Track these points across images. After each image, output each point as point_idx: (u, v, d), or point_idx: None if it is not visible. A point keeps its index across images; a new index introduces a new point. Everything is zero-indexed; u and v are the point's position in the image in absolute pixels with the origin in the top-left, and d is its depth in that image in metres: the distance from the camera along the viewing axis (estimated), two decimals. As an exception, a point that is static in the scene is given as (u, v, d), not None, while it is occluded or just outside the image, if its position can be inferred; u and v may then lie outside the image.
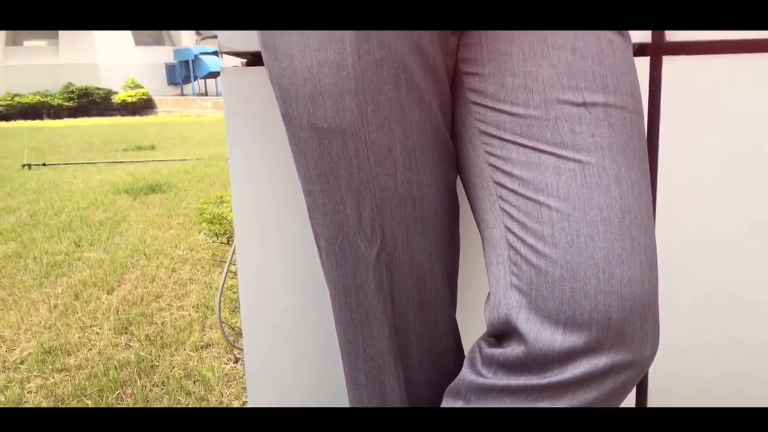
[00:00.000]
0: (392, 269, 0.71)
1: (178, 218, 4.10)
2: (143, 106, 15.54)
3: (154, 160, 7.06)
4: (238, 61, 1.04)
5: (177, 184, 5.31)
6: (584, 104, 0.62)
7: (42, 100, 14.97)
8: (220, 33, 0.95)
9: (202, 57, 16.39)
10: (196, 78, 16.84)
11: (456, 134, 0.73)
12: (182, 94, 17.02)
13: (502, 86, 0.65)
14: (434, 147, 0.69)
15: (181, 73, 17.07)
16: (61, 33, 16.18)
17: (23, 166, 6.71)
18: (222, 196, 2.49)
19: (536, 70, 0.63)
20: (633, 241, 0.61)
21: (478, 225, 0.73)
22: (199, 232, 3.71)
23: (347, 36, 0.61)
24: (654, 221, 0.66)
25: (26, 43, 16.88)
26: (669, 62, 0.98)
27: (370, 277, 0.72)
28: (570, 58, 0.63)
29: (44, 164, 6.88)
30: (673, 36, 0.99)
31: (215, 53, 17.13)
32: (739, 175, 1.04)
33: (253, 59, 1.00)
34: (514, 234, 0.65)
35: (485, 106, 0.67)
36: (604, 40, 0.64)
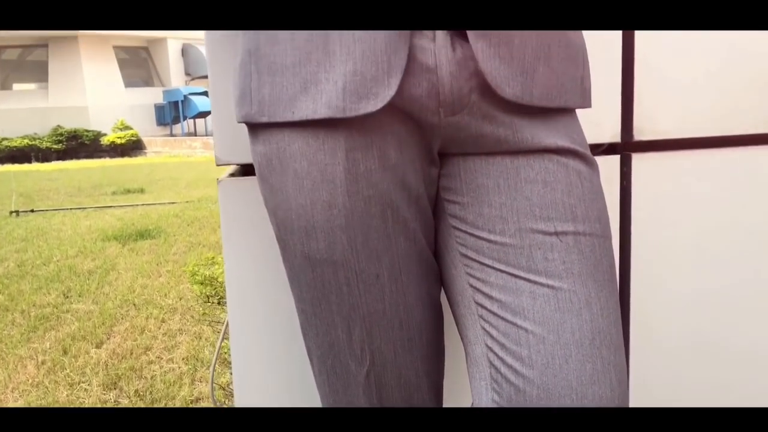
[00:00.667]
0: (381, 387, 0.75)
1: (167, 265, 4.08)
2: (132, 147, 15.57)
3: (143, 204, 7.05)
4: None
5: (166, 229, 5.31)
6: (555, 233, 0.67)
7: (30, 143, 14.98)
8: (216, 145, 1.00)
9: (192, 97, 16.50)
10: (185, 118, 16.94)
11: (439, 253, 0.77)
12: (171, 135, 17.09)
13: (480, 215, 0.70)
14: (419, 269, 0.74)
15: (171, 113, 17.17)
16: (51, 76, 16.28)
17: (11, 213, 6.68)
18: (213, 258, 2.50)
19: (511, 202, 0.68)
20: (603, 361, 0.65)
21: (462, 339, 0.77)
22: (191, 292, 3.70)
23: (338, 177, 0.66)
24: (623, 338, 0.71)
25: (15, 86, 16.95)
26: (638, 159, 1.06)
27: (360, 394, 0.76)
28: (541, 191, 0.68)
29: (32, 210, 6.85)
30: (641, 135, 1.04)
31: (204, 93, 17.27)
32: (706, 257, 1.13)
33: (248, 167, 1.03)
34: (495, 353, 0.69)
35: (465, 232, 0.72)
36: (573, 171, 0.69)
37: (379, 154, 0.67)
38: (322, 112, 0.64)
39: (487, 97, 0.66)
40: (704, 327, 1.15)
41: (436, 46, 0.64)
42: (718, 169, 1.10)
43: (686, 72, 1.06)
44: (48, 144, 15.16)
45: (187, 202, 7.01)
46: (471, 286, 0.72)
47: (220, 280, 2.13)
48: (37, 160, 14.59)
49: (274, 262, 0.99)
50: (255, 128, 0.73)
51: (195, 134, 17.12)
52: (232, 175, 1.04)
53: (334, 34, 0.64)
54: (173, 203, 6.99)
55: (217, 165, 1.02)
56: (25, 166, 13.18)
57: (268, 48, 0.68)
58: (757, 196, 1.11)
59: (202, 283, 2.11)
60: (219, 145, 0.99)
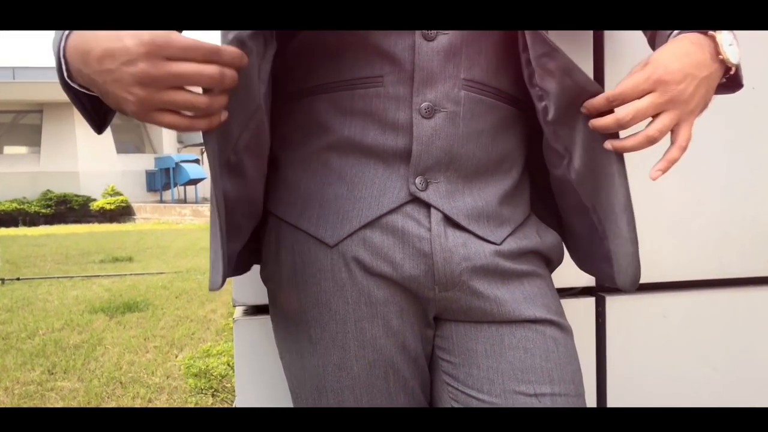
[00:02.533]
0: None
1: (155, 340, 4.05)
2: (121, 213, 15.60)
3: (131, 274, 7.02)
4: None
5: (154, 302, 5.28)
6: (535, 395, 0.74)
7: (18, 207, 14.98)
8: (235, 288, 1.06)
9: (183, 164, 16.70)
10: (176, 185, 17.07)
11: (434, 403, 0.83)
12: (161, 201, 17.17)
13: (469, 375, 0.77)
14: None
15: (161, 180, 17.32)
16: (44, 141, 16.44)
17: (-3, 280, 6.63)
18: (208, 349, 2.50)
19: (496, 366, 0.76)
20: None
21: None
22: (176, 356, 3.66)
23: (348, 344, 0.75)
24: None
25: (6, 149, 17.07)
26: (611, 300, 1.19)
27: None
28: (522, 356, 0.75)
29: (18, 278, 6.78)
30: None
31: (196, 161, 17.47)
32: (679, 390, 1.23)
33: (262, 307, 1.10)
34: None
35: (456, 389, 0.78)
36: (550, 339, 0.77)
37: (383, 323, 0.75)
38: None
39: (474, 277, 0.75)
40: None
41: (432, 235, 0.73)
42: (683, 309, 1.22)
43: (652, 227, 1.19)
44: (36, 208, 15.16)
45: (175, 272, 6.99)
46: None
47: (214, 373, 2.13)
48: (25, 224, 14.55)
49: (284, 395, 1.02)
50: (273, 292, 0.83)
51: (185, 201, 17.21)
52: (246, 312, 1.08)
53: None
54: (162, 273, 6.97)
55: (234, 306, 1.10)
56: (12, 231, 13.12)
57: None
58: (721, 334, 1.23)
59: (196, 375, 2.10)
60: (237, 288, 1.07)
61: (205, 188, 18.05)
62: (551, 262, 0.84)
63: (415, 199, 0.74)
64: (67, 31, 0.62)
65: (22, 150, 17.26)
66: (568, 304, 0.89)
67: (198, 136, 17.92)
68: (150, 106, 0.59)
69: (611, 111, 0.71)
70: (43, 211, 15.18)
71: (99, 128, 0.69)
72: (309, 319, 0.77)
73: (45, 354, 3.79)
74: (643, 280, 1.16)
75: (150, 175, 17.65)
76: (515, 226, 0.78)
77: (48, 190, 15.81)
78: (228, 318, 4.59)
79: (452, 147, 0.73)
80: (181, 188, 17.54)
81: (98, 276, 6.94)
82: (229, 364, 2.24)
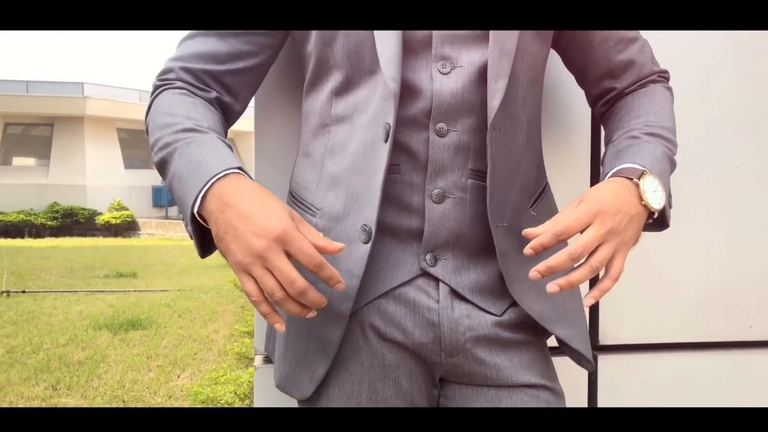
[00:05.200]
0: None
1: (157, 359, 4.10)
2: (126, 228, 15.70)
3: (135, 290, 7.08)
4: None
5: (158, 320, 5.33)
6: None
7: (25, 218, 15.09)
8: (256, 338, 1.11)
9: (189, 182, 16.82)
10: (181, 201, 17.19)
11: None
12: (167, 217, 17.28)
13: None
14: None
15: (168, 195, 17.43)
16: (53, 153, 16.62)
17: (2, 293, 6.68)
18: (216, 378, 2.56)
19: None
20: None
21: None
22: (178, 377, 3.71)
23: (362, 403, 0.82)
24: None
25: (15, 160, 17.23)
26: (603, 359, 1.24)
27: None
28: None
29: (23, 291, 6.85)
30: (605, 340, 1.25)
31: (202, 178, 17.60)
32: None
33: None
34: None
35: None
36: (543, 402, 0.84)
37: (394, 384, 0.83)
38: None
39: (477, 346, 0.83)
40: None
41: (440, 307, 0.82)
42: (671, 369, 1.29)
43: (642, 290, 1.25)
44: (43, 220, 15.27)
45: (179, 290, 7.04)
46: None
47: (222, 401, 2.18)
48: (30, 235, 14.64)
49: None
50: None
51: (190, 217, 17.31)
52: (266, 360, 1.12)
53: None
54: (165, 291, 7.03)
55: (255, 354, 1.15)
56: (18, 242, 13.21)
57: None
58: (708, 395, 1.29)
59: (203, 403, 2.15)
60: (258, 338, 1.12)
61: (210, 205, 18.12)
62: (546, 332, 0.89)
63: (425, 274, 0.82)
64: (221, 175, 0.73)
65: (30, 162, 17.43)
66: (563, 362, 0.95)
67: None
68: (244, 269, 0.70)
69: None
70: (50, 223, 15.30)
71: (203, 254, 0.79)
72: (327, 379, 0.84)
73: (49, 369, 3.84)
74: (634, 341, 1.27)
75: (156, 191, 17.79)
76: (514, 299, 0.85)
77: (55, 203, 15.94)
78: (230, 338, 4.63)
79: (459, 228, 0.81)
80: (187, 205, 17.64)
81: (102, 291, 7.00)
82: (236, 393, 2.29)
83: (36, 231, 14.94)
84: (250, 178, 0.76)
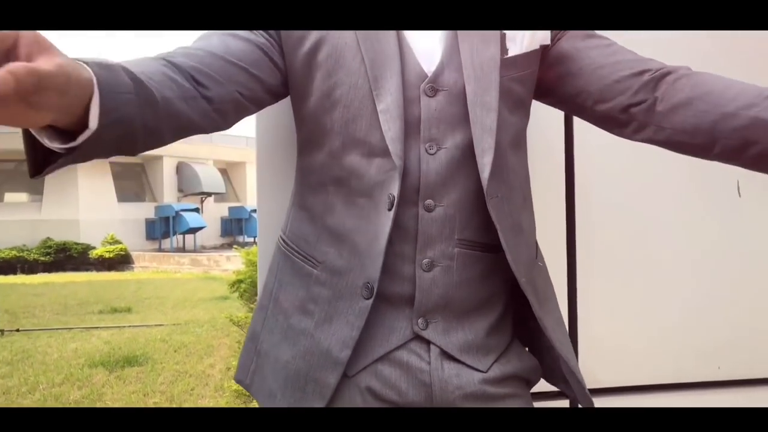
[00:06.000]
0: None
1: (154, 396, 4.10)
2: (120, 261, 15.65)
3: (130, 326, 7.05)
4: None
5: (153, 356, 5.32)
6: None
7: (18, 255, 15.03)
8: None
9: (183, 213, 16.84)
10: (175, 233, 17.18)
11: None
12: (160, 250, 17.25)
13: None
14: None
15: (161, 228, 17.44)
16: (46, 189, 16.62)
17: (-4, 332, 6.66)
18: None
19: None
20: None
21: None
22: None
23: None
24: None
25: (7, 196, 17.20)
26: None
27: None
28: None
29: (18, 330, 6.82)
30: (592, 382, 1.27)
31: (196, 210, 17.63)
32: None
33: None
34: None
35: None
36: None
37: None
38: None
39: (465, 402, 0.88)
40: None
41: (431, 368, 0.88)
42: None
43: (619, 336, 1.31)
44: (36, 256, 15.20)
45: (174, 324, 7.03)
46: None
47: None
48: (23, 271, 14.57)
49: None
50: None
51: (184, 249, 17.29)
52: None
53: None
54: (160, 325, 7.01)
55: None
56: (11, 278, 13.13)
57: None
58: None
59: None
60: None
61: (203, 237, 18.15)
62: (530, 383, 0.96)
63: (417, 337, 0.88)
64: None
65: (23, 198, 17.41)
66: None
67: (197, 185, 18.16)
68: None
69: None
70: (42, 258, 15.23)
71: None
72: None
73: (46, 410, 3.83)
74: (610, 384, 1.31)
75: (150, 224, 17.77)
76: (499, 353, 0.92)
77: (48, 238, 15.88)
78: (226, 373, 4.63)
79: (448, 293, 0.87)
80: (180, 237, 17.65)
81: (97, 327, 6.97)
82: None
83: (29, 267, 14.86)
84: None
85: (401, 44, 0.84)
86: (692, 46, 1.24)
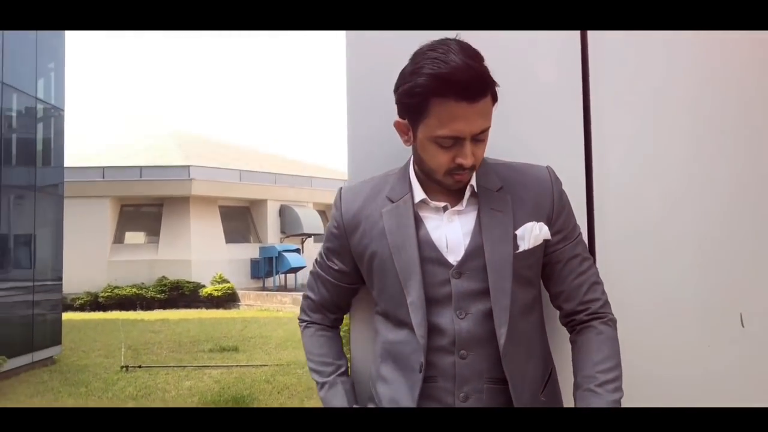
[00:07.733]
0: None
1: (260, 437, 4.44)
2: (227, 299, 16.59)
3: (237, 365, 7.56)
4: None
5: (258, 396, 5.72)
6: None
7: (137, 292, 16.32)
8: None
9: (285, 254, 17.68)
10: (277, 272, 18.02)
11: None
12: (263, 288, 18.12)
13: None
14: None
15: (265, 268, 18.35)
16: (163, 231, 17.99)
17: (122, 367, 7.36)
18: None
19: None
20: None
21: None
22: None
23: None
24: None
25: (128, 237, 18.70)
26: None
27: None
28: None
29: (140, 366, 7.51)
30: None
31: (296, 250, 18.45)
32: None
33: None
34: None
35: None
36: None
37: None
38: None
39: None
40: None
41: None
42: None
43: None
44: (152, 293, 16.42)
45: (277, 365, 7.46)
46: None
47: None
48: (142, 308, 15.78)
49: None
50: None
51: (285, 288, 18.06)
52: None
53: None
54: (264, 366, 7.47)
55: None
56: (131, 314, 14.30)
57: None
58: None
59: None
60: None
61: (304, 276, 18.88)
62: None
63: None
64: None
65: (141, 239, 18.88)
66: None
67: (298, 227, 19.03)
68: None
69: None
70: (158, 296, 16.42)
71: None
72: None
73: (167, 445, 4.26)
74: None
75: (254, 264, 18.73)
76: None
77: (163, 277, 17.12)
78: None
79: None
80: (282, 276, 18.47)
81: (208, 366, 7.53)
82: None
83: (146, 303, 16.07)
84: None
85: (421, 249, 1.15)
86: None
